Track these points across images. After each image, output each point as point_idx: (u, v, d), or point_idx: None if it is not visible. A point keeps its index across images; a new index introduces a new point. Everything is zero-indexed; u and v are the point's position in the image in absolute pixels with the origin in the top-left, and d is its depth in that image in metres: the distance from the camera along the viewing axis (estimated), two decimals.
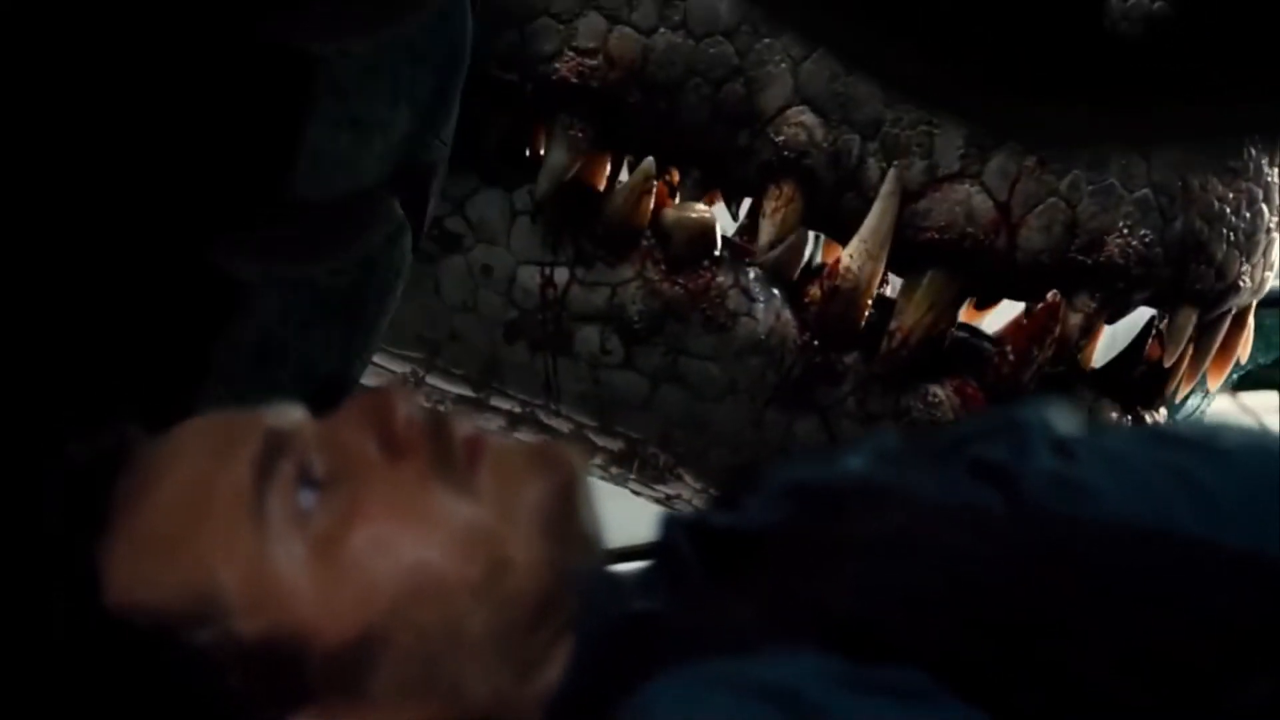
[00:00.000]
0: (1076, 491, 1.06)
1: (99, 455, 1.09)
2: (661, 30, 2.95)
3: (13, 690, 1.00)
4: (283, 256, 1.70)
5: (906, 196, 2.95)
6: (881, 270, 2.98)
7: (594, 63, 2.91)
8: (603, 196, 2.99)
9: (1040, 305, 3.02)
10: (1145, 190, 3.10)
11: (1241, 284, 3.12)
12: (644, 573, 1.10)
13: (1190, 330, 3.12)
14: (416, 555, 1.02)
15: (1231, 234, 3.12)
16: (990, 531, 1.00)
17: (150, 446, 1.10)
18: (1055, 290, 3.00)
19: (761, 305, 2.97)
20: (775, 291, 2.98)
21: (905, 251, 2.96)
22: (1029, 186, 3.02)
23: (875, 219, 2.95)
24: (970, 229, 2.95)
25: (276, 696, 1.03)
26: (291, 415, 1.09)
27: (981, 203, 2.97)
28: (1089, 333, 3.04)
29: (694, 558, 1.07)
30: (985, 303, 3.14)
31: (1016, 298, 3.06)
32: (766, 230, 2.95)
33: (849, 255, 2.96)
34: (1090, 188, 3.04)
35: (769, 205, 2.96)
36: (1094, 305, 3.03)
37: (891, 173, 2.94)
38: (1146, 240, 3.06)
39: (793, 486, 1.09)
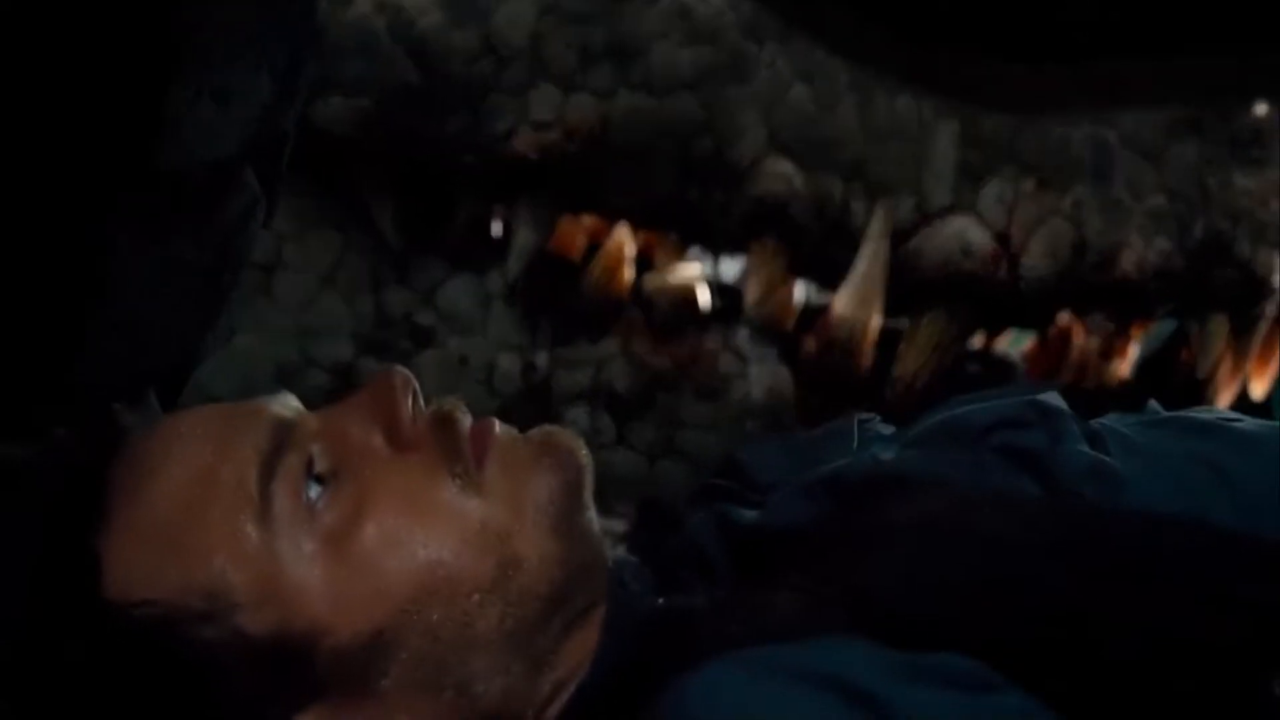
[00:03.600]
0: (1112, 481, 1.05)
1: (88, 443, 1.04)
2: (621, 91, 2.80)
3: (14, 688, 0.98)
4: (147, 229, 1.60)
5: (897, 236, 2.78)
6: (878, 316, 2.81)
7: (552, 135, 2.77)
8: (579, 270, 2.86)
9: (1053, 331, 2.84)
10: (1158, 198, 2.90)
11: (1277, 283, 2.92)
12: (672, 568, 1.08)
13: (1224, 337, 2.92)
14: (428, 553, 0.99)
15: (1261, 230, 2.91)
16: (1029, 519, 1.00)
17: (143, 436, 1.04)
18: (1067, 313, 2.82)
19: (755, 366, 2.83)
20: (769, 349, 2.84)
21: (902, 293, 2.80)
22: (1028, 210, 2.82)
23: (865, 263, 2.78)
24: (968, 263, 2.78)
25: (284, 694, 0.99)
26: (293, 406, 1.05)
27: (978, 234, 2.79)
28: (1111, 353, 2.86)
29: (722, 554, 1.06)
30: (994, 333, 2.98)
31: (1026, 325, 2.88)
32: (753, 286, 2.81)
33: (841, 303, 2.81)
34: (1097, 203, 2.85)
35: (754, 260, 2.81)
36: (1112, 325, 2.85)
37: (878, 213, 2.78)
38: (1163, 251, 2.86)
39: (824, 481, 1.06)
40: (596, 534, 1.05)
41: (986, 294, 2.81)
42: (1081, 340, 2.85)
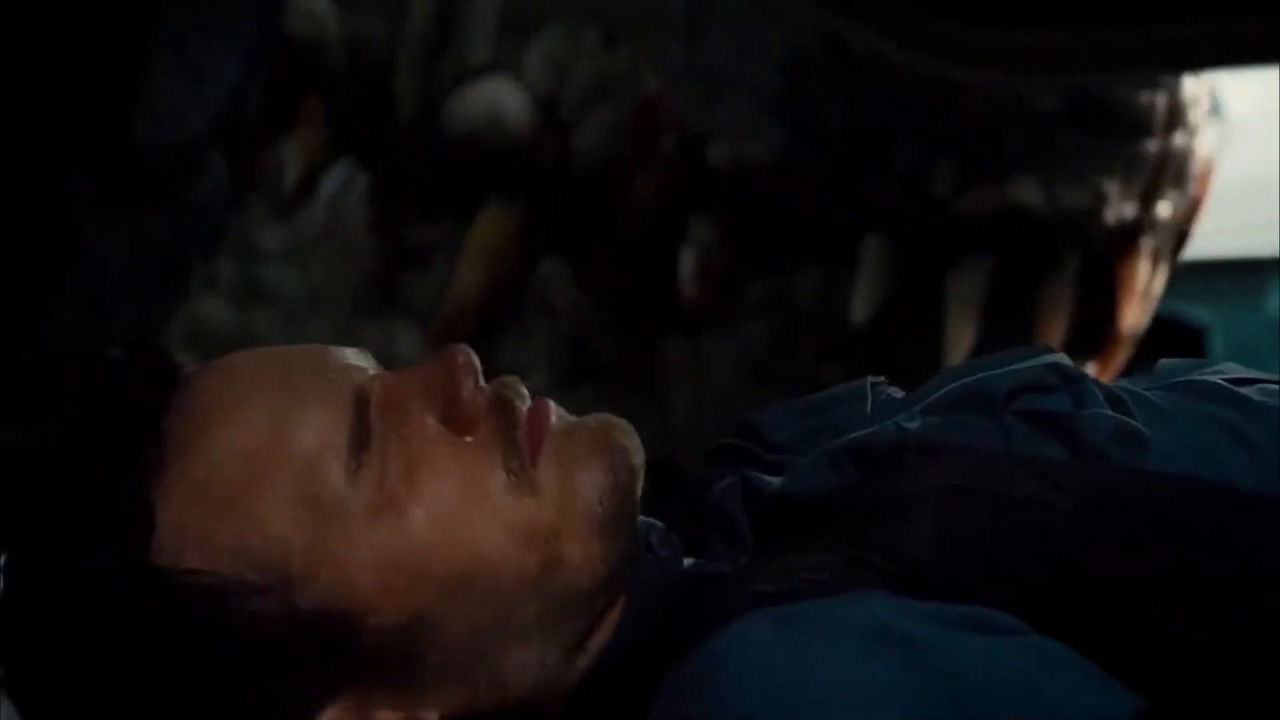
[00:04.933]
0: (1137, 443, 1.05)
1: (145, 380, 1.02)
2: None
3: (53, 644, 0.98)
4: (117, 205, 1.54)
5: (435, 97, 2.14)
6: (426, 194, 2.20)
7: None
8: None
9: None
10: (773, 69, 1.98)
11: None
12: (696, 533, 1.08)
13: (878, 271, 2.00)
14: (473, 545, 1.00)
15: (940, 126, 1.92)
16: (1056, 482, 1.01)
17: (204, 377, 1.01)
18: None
19: (331, 180, 2.33)
20: (346, 155, 2.30)
21: (455, 175, 2.16)
22: (585, 72, 2.07)
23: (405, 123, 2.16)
24: (498, 138, 2.09)
25: (320, 674, 1.00)
26: (362, 367, 1.03)
27: (515, 101, 2.09)
28: (715, 277, 2.02)
29: (748, 521, 1.06)
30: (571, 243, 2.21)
31: (595, 231, 2.10)
32: (293, 164, 2.30)
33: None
34: (687, 67, 2.02)
35: (297, 129, 2.28)
36: (717, 239, 2.01)
37: (407, 69, 2.14)
38: (777, 142, 1.98)
39: (850, 450, 1.06)
40: (639, 528, 1.06)
41: (537, 179, 2.11)
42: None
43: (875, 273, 2.10)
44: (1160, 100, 2.06)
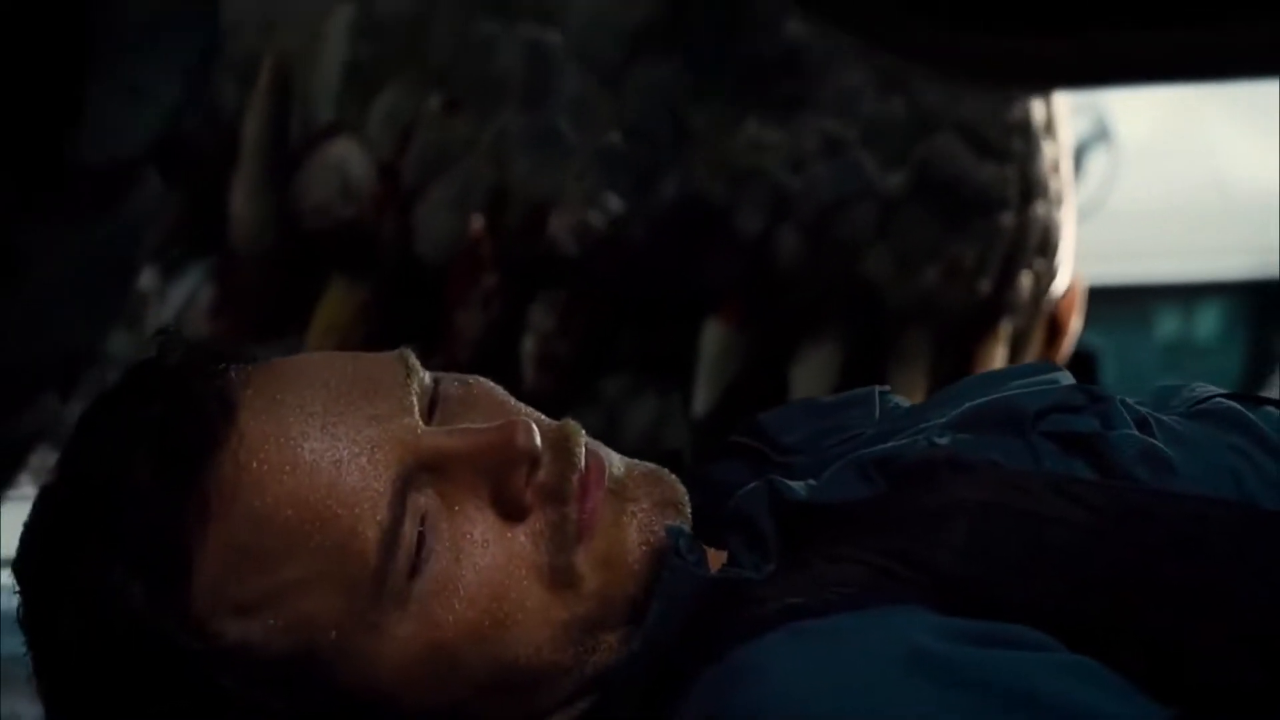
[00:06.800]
0: (1164, 465, 1.08)
1: (203, 410, 1.00)
2: None
3: (71, 667, 0.99)
4: (59, 222, 1.66)
5: (288, 162, 2.07)
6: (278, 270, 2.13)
7: None
8: None
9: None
10: (612, 135, 1.93)
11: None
12: (718, 538, 1.08)
13: (724, 352, 1.95)
14: (509, 650, 1.00)
15: (786, 201, 1.87)
16: (1085, 500, 1.03)
17: (255, 420, 0.99)
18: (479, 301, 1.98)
19: (180, 289, 2.28)
20: (200, 269, 2.25)
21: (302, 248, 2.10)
22: (428, 138, 2.01)
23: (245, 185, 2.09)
24: (348, 207, 2.02)
25: None
26: (409, 407, 1.01)
27: (361, 166, 2.02)
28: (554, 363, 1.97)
29: (773, 528, 1.06)
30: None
31: (434, 315, 2.04)
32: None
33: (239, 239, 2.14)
34: (528, 136, 1.96)
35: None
36: (552, 321, 1.96)
37: (252, 123, 2.07)
38: (614, 211, 1.94)
39: (879, 462, 1.08)
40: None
41: (378, 255, 2.04)
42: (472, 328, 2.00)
43: (717, 359, 2.08)
44: (1010, 172, 2.03)
